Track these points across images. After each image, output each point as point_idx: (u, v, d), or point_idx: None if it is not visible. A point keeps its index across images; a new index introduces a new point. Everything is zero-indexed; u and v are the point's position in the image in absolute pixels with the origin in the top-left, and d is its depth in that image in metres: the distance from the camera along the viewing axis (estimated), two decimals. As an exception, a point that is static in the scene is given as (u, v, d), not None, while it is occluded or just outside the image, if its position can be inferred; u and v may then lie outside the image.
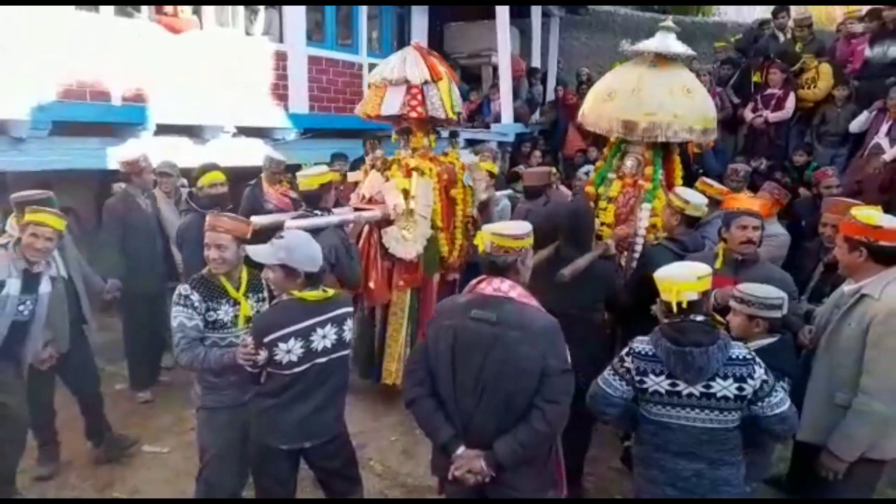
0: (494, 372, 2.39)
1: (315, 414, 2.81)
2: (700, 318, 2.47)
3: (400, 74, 4.68)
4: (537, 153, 8.59)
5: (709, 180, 4.81)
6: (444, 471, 2.49)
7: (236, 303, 3.07)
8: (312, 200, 4.23)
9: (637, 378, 2.49)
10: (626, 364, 2.54)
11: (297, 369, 2.74)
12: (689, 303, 2.46)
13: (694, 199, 3.87)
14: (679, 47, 4.40)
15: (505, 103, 9.75)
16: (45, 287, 3.51)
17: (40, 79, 5.10)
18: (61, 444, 4.12)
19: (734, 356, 2.42)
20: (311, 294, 2.77)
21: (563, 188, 6.11)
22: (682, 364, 2.40)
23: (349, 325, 2.91)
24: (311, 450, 2.86)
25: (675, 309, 2.46)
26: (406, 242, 4.63)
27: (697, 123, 4.25)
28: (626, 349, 2.58)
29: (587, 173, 4.81)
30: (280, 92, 7.27)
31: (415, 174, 4.69)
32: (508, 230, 2.57)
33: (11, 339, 3.37)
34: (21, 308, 3.38)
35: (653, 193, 4.35)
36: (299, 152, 6.94)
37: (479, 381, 2.42)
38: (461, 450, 2.44)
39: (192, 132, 6.37)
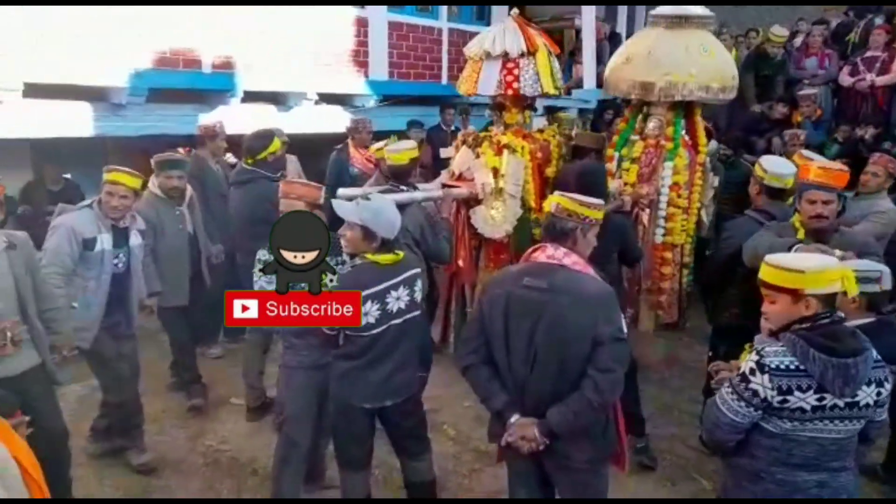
0: (546, 339, 2.37)
1: (395, 373, 2.89)
2: (838, 316, 2.15)
3: (500, 47, 4.57)
4: (619, 121, 8.26)
5: (807, 153, 4.53)
6: (500, 438, 2.49)
7: None
8: (402, 175, 4.17)
9: (778, 398, 2.08)
10: (752, 385, 2.12)
11: (374, 331, 2.80)
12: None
13: (774, 168, 3.67)
14: (696, 9, 4.40)
15: (588, 68, 9.37)
16: (134, 240, 3.68)
17: (137, 48, 5.32)
18: (159, 395, 4.42)
19: (874, 358, 2.15)
20: (385, 257, 2.82)
21: None
22: (843, 377, 2.05)
23: (419, 286, 2.96)
24: (390, 408, 2.93)
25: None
26: (494, 222, 4.54)
27: (714, 82, 4.31)
28: (751, 366, 2.12)
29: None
30: (361, 59, 7.29)
31: (506, 152, 4.57)
32: (579, 196, 2.52)
33: (115, 291, 3.59)
34: (115, 262, 3.57)
35: (674, 152, 4.46)
36: (377, 119, 6.96)
37: (531, 349, 2.40)
38: (515, 417, 2.44)
39: (277, 99, 6.52)
